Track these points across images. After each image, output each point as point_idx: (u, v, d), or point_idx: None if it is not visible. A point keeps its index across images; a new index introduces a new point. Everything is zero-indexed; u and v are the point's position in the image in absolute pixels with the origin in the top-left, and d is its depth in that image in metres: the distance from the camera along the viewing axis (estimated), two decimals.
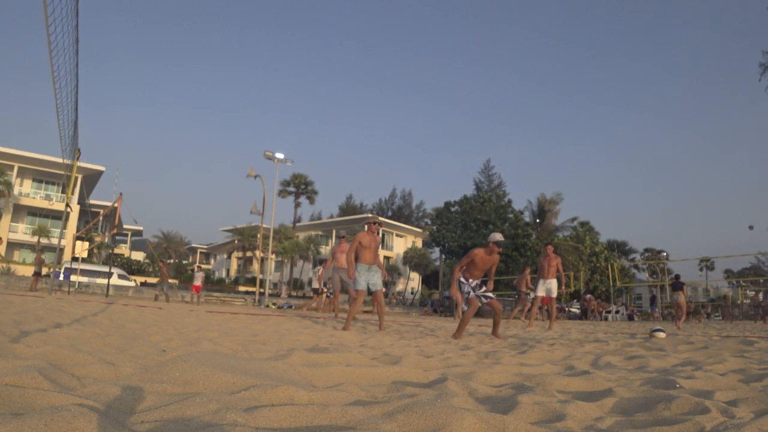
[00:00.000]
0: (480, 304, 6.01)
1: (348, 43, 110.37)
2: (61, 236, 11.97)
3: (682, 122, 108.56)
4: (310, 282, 48.58)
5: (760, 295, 23.61)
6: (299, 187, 47.31)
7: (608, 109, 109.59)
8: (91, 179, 40.20)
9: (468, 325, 7.27)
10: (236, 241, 48.19)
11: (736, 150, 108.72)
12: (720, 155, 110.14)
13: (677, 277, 13.69)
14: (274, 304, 21.56)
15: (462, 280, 6.13)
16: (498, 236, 6.03)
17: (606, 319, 24.19)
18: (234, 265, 56.85)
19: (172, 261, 46.08)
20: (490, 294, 6.15)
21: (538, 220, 38.24)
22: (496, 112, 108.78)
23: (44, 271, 17.39)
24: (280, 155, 24.71)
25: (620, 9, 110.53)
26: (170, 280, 18.70)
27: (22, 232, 37.86)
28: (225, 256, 58.33)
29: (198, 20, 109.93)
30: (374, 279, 6.66)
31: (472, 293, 6.01)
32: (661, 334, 6.16)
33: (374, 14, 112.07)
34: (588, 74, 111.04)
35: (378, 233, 7.14)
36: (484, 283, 6.23)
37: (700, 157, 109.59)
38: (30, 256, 35.27)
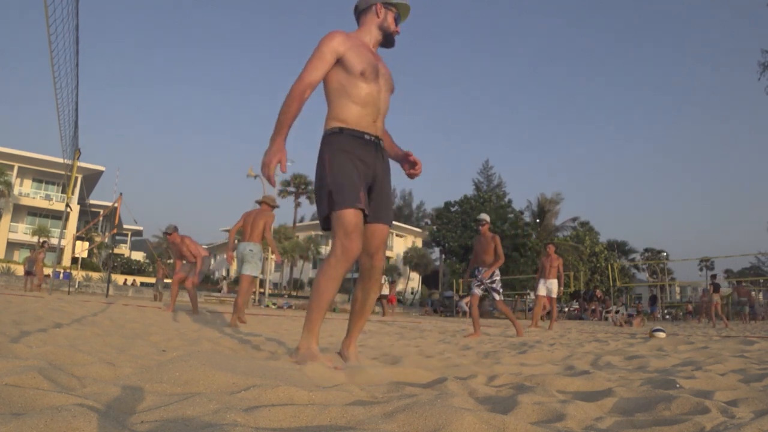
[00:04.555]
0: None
1: None
2: (61, 236, 11.96)
3: (681, 122, 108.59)
4: (310, 282, 48.53)
5: (761, 296, 23.45)
6: (299, 187, 47.29)
7: (608, 108, 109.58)
8: (91, 179, 40.21)
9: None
10: (236, 241, 48.14)
11: (736, 149, 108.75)
12: (720, 155, 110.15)
13: (714, 276, 14.38)
14: (274, 304, 21.56)
15: (476, 273, 7.10)
16: (479, 215, 7.08)
17: (606, 319, 24.17)
18: (234, 265, 56.77)
19: (171, 261, 46.00)
20: (497, 295, 6.77)
21: (538, 220, 38.24)
22: (497, 111, 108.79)
23: (44, 271, 17.37)
24: None
25: (619, 10, 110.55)
26: (166, 280, 18.81)
27: (22, 232, 37.86)
28: (225, 256, 58.30)
29: (198, 20, 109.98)
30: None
31: (474, 290, 6.91)
32: (661, 334, 6.16)
33: None
34: (587, 74, 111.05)
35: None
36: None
37: (699, 156, 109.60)
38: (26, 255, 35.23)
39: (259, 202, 6.83)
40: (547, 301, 9.93)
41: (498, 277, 6.76)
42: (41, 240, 15.70)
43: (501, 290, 6.81)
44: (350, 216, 2.18)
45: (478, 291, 6.76)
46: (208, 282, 43.68)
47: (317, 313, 2.23)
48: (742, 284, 20.74)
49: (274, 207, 6.81)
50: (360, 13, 2.49)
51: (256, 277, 6.74)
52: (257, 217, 6.61)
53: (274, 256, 6.96)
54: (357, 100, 2.30)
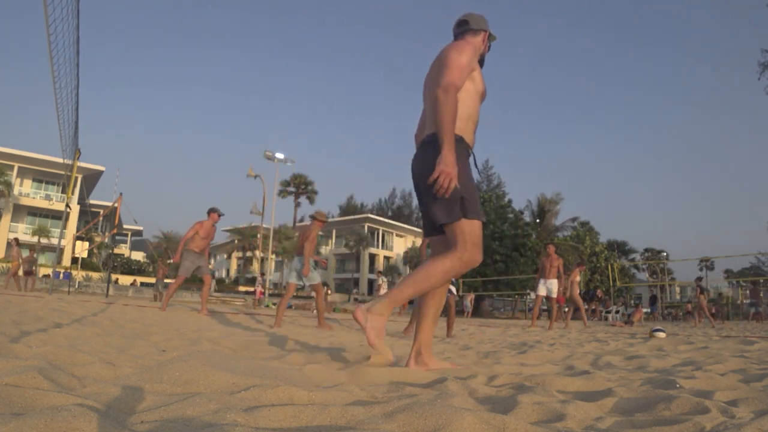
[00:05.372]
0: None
1: (348, 41, 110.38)
2: (61, 236, 11.96)
3: (681, 122, 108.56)
4: None
5: (761, 295, 23.46)
6: (299, 187, 47.32)
7: (607, 108, 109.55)
8: (91, 179, 40.21)
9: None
10: (236, 241, 48.17)
11: (736, 149, 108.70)
12: (720, 154, 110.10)
13: (699, 279, 15.08)
14: (274, 304, 21.54)
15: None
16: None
17: (606, 319, 24.18)
18: (234, 265, 56.82)
19: (171, 261, 45.98)
20: (451, 287, 6.13)
21: (538, 220, 38.22)
22: (496, 110, 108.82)
23: (42, 271, 17.35)
24: (280, 155, 24.72)
25: (618, 10, 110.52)
26: (167, 280, 18.82)
27: (22, 232, 37.84)
28: (225, 256, 58.31)
29: (198, 20, 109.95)
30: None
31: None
32: (661, 334, 6.16)
33: (374, 11, 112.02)
34: (587, 73, 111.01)
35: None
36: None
37: (699, 156, 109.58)
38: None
39: (312, 217, 7.20)
40: (560, 300, 9.96)
41: None
42: (13, 237, 15.61)
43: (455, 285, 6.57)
44: (479, 228, 2.18)
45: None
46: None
47: (410, 292, 2.15)
48: (757, 286, 21.02)
49: (322, 221, 7.04)
50: (466, 31, 2.47)
51: (320, 283, 6.95)
52: (304, 231, 7.02)
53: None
54: (472, 115, 2.30)
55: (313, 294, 7.44)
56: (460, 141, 2.23)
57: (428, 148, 2.23)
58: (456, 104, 2.09)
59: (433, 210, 2.19)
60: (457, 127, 2.21)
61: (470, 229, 2.15)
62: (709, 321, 13.82)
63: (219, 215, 8.31)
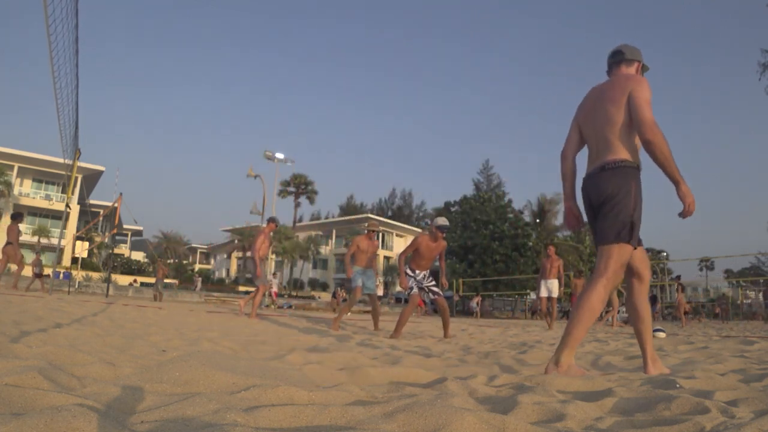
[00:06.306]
0: (426, 300, 5.90)
1: (348, 42, 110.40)
2: (61, 236, 11.95)
3: (681, 121, 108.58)
4: (309, 282, 48.50)
5: (761, 296, 23.50)
6: (299, 187, 47.32)
7: None
8: (91, 179, 40.18)
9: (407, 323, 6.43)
10: (236, 241, 48.13)
11: (736, 149, 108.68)
12: (720, 154, 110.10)
13: (679, 278, 14.77)
14: (273, 304, 21.52)
15: (408, 272, 5.78)
16: (441, 220, 5.76)
17: (608, 320, 24.14)
18: (234, 265, 56.79)
19: (171, 261, 45.98)
20: (437, 289, 5.78)
21: (538, 220, 38.21)
22: (497, 111, 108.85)
23: (45, 271, 17.29)
24: (280, 155, 24.74)
25: (617, 10, 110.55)
26: (167, 280, 18.80)
27: (23, 232, 37.78)
28: (225, 256, 58.27)
29: (199, 20, 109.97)
30: (369, 283, 6.97)
31: (414, 289, 5.73)
32: (661, 334, 6.16)
33: (374, 12, 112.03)
34: (586, 73, 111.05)
35: (377, 238, 7.60)
36: (436, 276, 5.98)
37: (699, 156, 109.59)
38: (30, 257, 35.19)
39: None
40: (547, 301, 9.94)
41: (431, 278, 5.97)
42: None
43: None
44: (629, 253, 2.38)
45: (417, 290, 5.81)
46: (209, 282, 43.57)
47: (583, 331, 2.29)
48: None
49: (371, 231, 7.28)
50: (621, 61, 2.56)
51: (354, 288, 6.96)
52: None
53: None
54: (639, 145, 2.41)
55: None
56: (637, 169, 2.40)
57: (614, 174, 2.37)
58: (665, 137, 2.26)
59: (605, 228, 2.37)
60: (635, 156, 2.40)
61: (623, 253, 2.35)
62: (680, 320, 13.69)
63: (276, 225, 8.90)
